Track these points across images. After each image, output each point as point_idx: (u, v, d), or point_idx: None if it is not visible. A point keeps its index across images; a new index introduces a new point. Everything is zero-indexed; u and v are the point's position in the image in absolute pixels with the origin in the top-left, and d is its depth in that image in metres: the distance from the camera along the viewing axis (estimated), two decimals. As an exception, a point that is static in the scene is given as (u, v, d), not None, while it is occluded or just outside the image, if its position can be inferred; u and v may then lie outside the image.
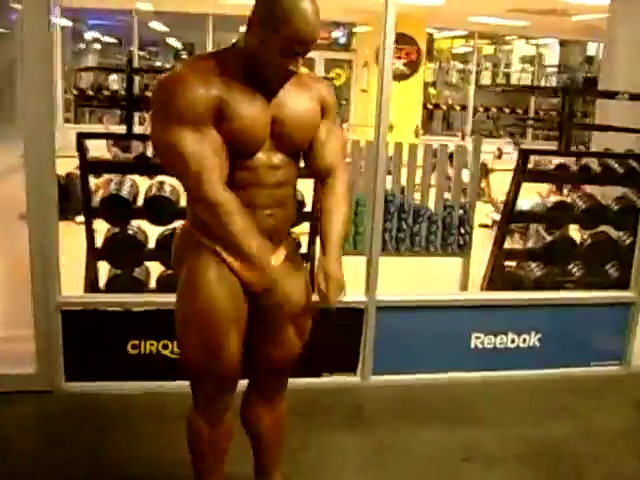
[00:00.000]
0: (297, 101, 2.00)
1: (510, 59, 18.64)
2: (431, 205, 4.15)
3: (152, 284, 4.08)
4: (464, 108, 14.90)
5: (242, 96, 1.89)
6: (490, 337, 3.63)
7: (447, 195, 4.19)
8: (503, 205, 4.18)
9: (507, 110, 14.53)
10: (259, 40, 1.83)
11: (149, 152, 3.95)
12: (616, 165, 4.14)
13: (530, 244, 5.72)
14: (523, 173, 3.93)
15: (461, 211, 4.16)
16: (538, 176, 4.04)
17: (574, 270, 4.38)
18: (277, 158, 2.00)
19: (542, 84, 17.10)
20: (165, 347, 3.33)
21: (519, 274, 4.47)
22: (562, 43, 16.90)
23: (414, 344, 3.56)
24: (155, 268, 4.07)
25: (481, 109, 14.84)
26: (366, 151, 4.16)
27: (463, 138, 11.23)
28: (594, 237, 4.35)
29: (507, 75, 18.54)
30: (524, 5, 9.52)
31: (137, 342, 3.31)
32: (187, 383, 2.11)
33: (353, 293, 3.55)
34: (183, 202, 3.96)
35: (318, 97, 2.06)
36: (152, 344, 3.32)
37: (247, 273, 2.01)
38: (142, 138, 3.98)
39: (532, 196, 7.03)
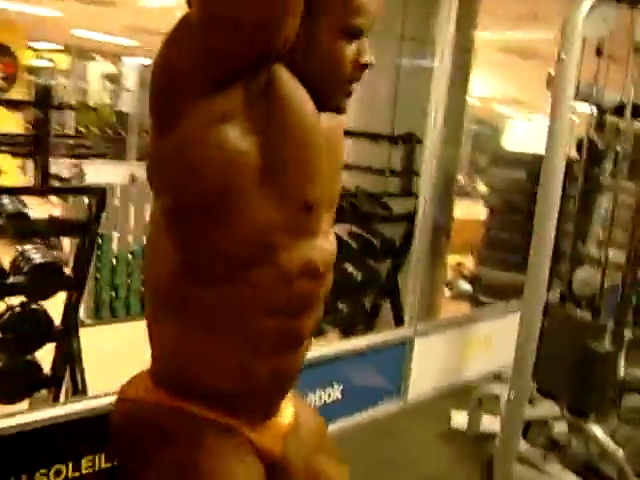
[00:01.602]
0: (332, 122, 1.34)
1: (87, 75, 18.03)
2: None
3: None
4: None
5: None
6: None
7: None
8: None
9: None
10: (305, 37, 1.17)
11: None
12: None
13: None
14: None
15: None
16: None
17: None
18: (331, 243, 1.38)
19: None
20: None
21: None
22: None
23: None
24: None
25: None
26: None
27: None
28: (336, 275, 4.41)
29: (84, 91, 17.88)
30: (144, 24, 9.26)
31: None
32: None
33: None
34: None
35: None
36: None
37: (267, 441, 1.37)
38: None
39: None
